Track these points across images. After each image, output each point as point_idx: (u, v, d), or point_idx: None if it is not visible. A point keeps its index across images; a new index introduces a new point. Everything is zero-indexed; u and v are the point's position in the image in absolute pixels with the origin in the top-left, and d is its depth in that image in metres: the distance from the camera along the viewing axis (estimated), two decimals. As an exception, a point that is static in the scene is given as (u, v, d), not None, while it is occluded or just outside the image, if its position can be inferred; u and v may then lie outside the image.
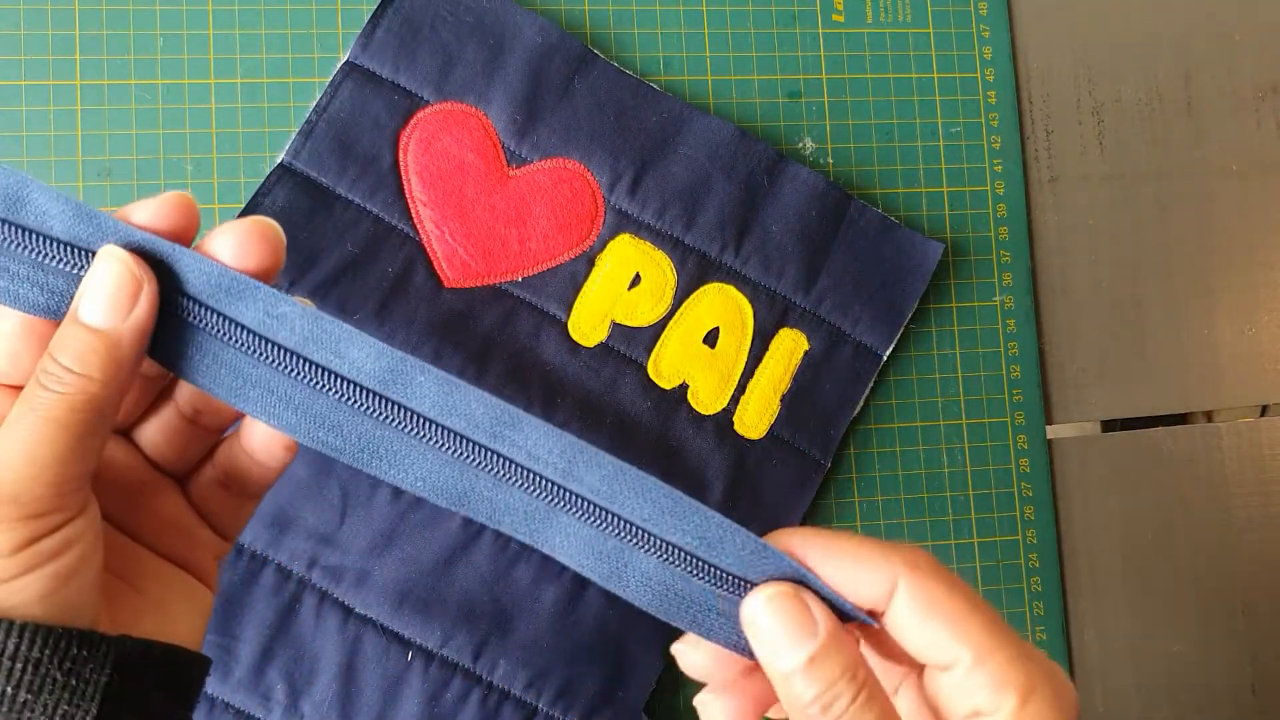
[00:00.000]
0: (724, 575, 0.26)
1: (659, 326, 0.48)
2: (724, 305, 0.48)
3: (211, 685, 0.44)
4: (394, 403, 0.26)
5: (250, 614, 0.44)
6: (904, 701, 0.28)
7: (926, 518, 0.51)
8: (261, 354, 0.26)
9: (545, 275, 0.48)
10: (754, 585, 0.26)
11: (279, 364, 0.26)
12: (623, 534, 0.26)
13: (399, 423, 0.26)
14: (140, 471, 0.29)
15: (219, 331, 0.26)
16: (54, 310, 0.25)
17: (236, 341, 0.26)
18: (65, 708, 0.23)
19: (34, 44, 0.47)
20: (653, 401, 0.48)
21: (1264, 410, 0.56)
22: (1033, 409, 0.52)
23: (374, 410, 0.26)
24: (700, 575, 0.26)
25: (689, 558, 0.26)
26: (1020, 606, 0.51)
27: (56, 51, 0.47)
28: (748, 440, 0.48)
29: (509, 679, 0.45)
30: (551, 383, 0.47)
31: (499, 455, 0.26)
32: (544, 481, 0.26)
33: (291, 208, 0.46)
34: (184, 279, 0.25)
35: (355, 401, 0.26)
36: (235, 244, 0.26)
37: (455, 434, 0.26)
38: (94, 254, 0.25)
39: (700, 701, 0.28)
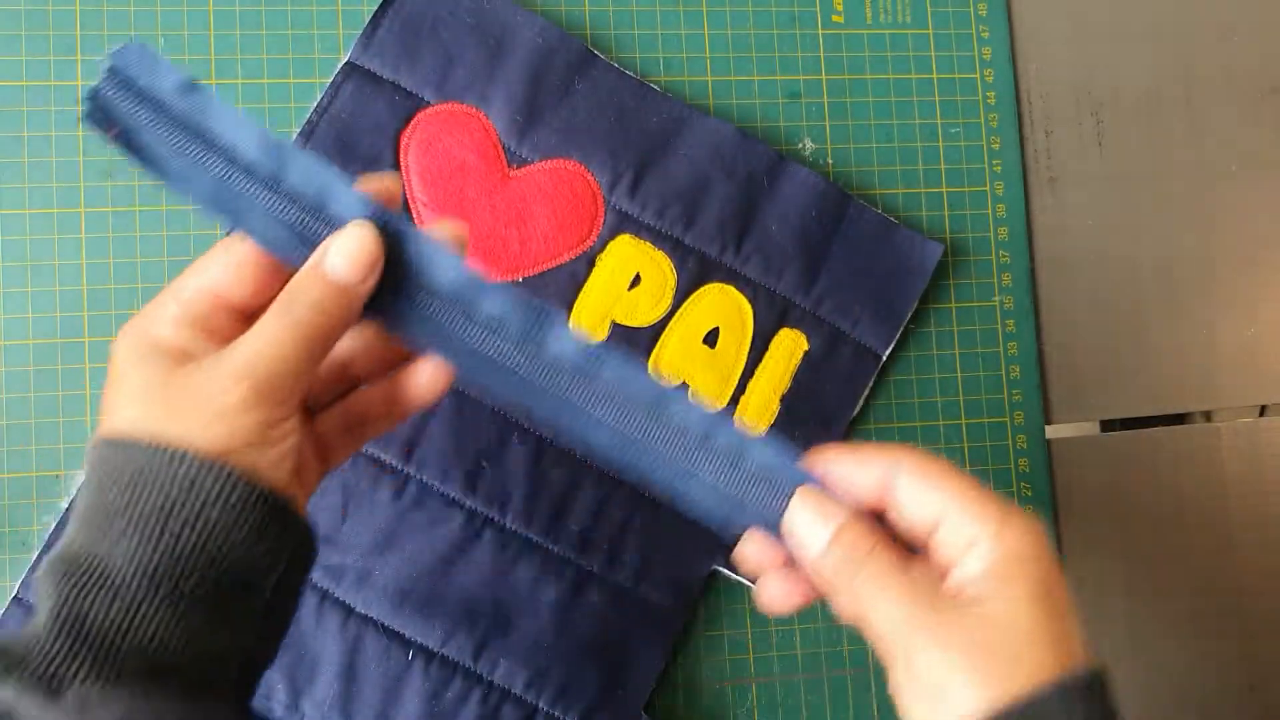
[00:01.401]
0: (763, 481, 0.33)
1: (659, 327, 0.48)
2: (724, 305, 0.49)
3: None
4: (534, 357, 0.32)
5: (251, 613, 0.44)
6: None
7: (926, 517, 0.51)
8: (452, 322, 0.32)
9: (545, 275, 0.48)
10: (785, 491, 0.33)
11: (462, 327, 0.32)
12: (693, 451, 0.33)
13: (544, 373, 0.32)
14: None
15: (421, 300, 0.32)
16: (291, 254, 0.31)
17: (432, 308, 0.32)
18: (267, 559, 0.29)
19: (35, 45, 0.47)
20: (653, 401, 0.48)
21: (1263, 411, 0.56)
22: (1032, 409, 0.53)
23: (522, 365, 0.32)
24: (750, 483, 0.33)
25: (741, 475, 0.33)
26: (1019, 606, 0.51)
27: (58, 52, 0.47)
28: (747, 440, 0.48)
29: (509, 678, 0.45)
30: (552, 383, 0.47)
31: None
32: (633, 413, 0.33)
33: (292, 208, 0.46)
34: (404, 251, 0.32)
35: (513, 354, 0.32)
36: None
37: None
38: (325, 216, 0.31)
39: (760, 585, 0.35)
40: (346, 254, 0.31)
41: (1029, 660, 0.29)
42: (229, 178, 0.31)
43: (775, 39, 0.52)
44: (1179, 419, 0.56)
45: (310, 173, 0.31)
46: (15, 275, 0.46)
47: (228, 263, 0.31)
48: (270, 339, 0.30)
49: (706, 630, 0.49)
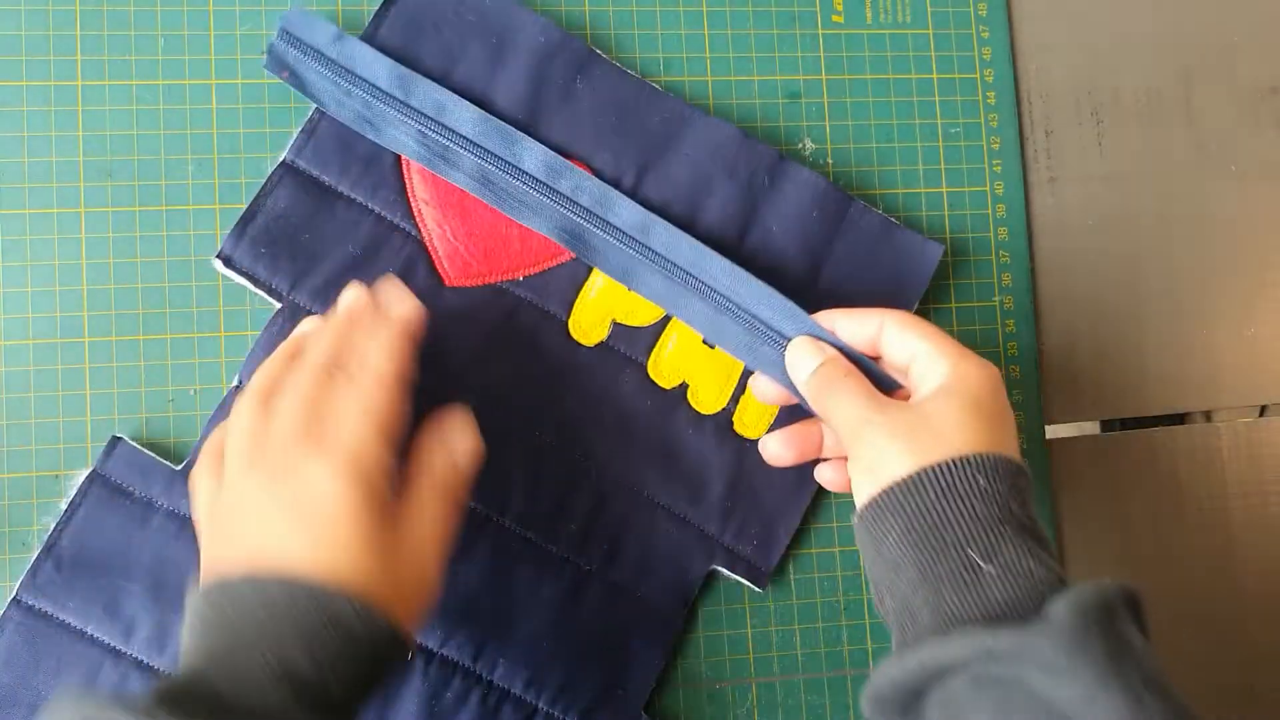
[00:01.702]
0: (778, 334, 0.44)
1: (659, 326, 0.48)
2: (724, 305, 0.49)
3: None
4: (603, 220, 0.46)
5: (251, 613, 0.44)
6: None
7: (926, 517, 0.51)
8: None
9: (546, 274, 0.48)
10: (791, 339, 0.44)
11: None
12: (723, 310, 0.45)
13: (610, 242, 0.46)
14: None
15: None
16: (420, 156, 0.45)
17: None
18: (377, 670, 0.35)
19: (35, 44, 0.47)
20: (653, 401, 0.48)
21: (1263, 410, 0.56)
22: (1031, 409, 0.53)
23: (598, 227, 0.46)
24: (766, 335, 0.44)
25: (761, 324, 0.44)
26: (1020, 606, 0.51)
27: (58, 52, 0.47)
28: (748, 440, 0.48)
29: (509, 678, 0.45)
30: (552, 381, 0.47)
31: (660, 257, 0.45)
32: (677, 270, 0.45)
33: (293, 207, 0.46)
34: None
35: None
36: None
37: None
38: (443, 127, 0.45)
39: (761, 441, 0.46)
40: (466, 452, 0.40)
41: (953, 441, 0.37)
42: (370, 102, 0.44)
43: (775, 39, 0.52)
44: (1179, 419, 0.56)
45: (430, 93, 0.44)
46: (15, 275, 0.46)
47: (394, 409, 0.38)
48: (439, 518, 0.38)
49: (706, 630, 0.49)
